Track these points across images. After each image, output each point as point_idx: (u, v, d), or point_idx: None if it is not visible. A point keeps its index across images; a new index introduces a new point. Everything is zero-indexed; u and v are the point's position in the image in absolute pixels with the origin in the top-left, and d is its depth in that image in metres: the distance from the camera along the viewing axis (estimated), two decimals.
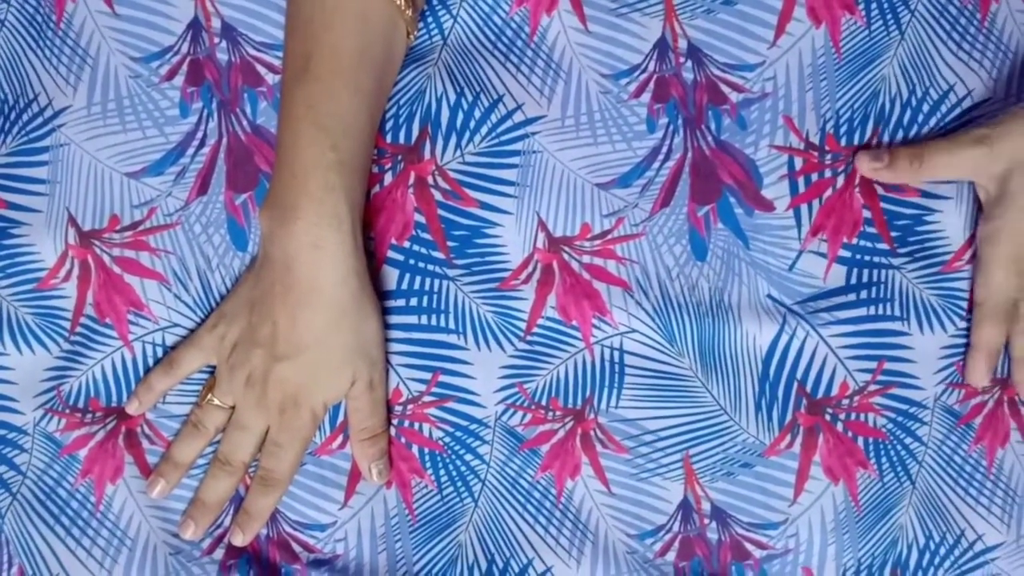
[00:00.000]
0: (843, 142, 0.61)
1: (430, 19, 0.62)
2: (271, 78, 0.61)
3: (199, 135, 0.61)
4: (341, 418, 0.62)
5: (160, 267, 0.62)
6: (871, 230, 0.61)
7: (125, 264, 0.62)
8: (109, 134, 0.61)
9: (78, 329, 0.62)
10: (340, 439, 0.62)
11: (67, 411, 0.63)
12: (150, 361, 0.62)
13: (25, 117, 0.61)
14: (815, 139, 0.61)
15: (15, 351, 0.62)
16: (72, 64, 0.61)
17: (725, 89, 0.61)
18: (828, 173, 0.61)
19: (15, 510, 0.62)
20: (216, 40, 0.60)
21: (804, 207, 0.61)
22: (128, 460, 0.62)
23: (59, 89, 0.61)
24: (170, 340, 0.62)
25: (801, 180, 0.61)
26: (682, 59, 0.61)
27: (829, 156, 0.61)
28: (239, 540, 0.61)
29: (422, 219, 0.61)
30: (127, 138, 0.61)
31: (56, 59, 0.61)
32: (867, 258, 0.61)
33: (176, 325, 0.62)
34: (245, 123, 0.61)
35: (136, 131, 0.61)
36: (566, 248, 0.61)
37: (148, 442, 0.63)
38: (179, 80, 0.61)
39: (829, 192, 0.61)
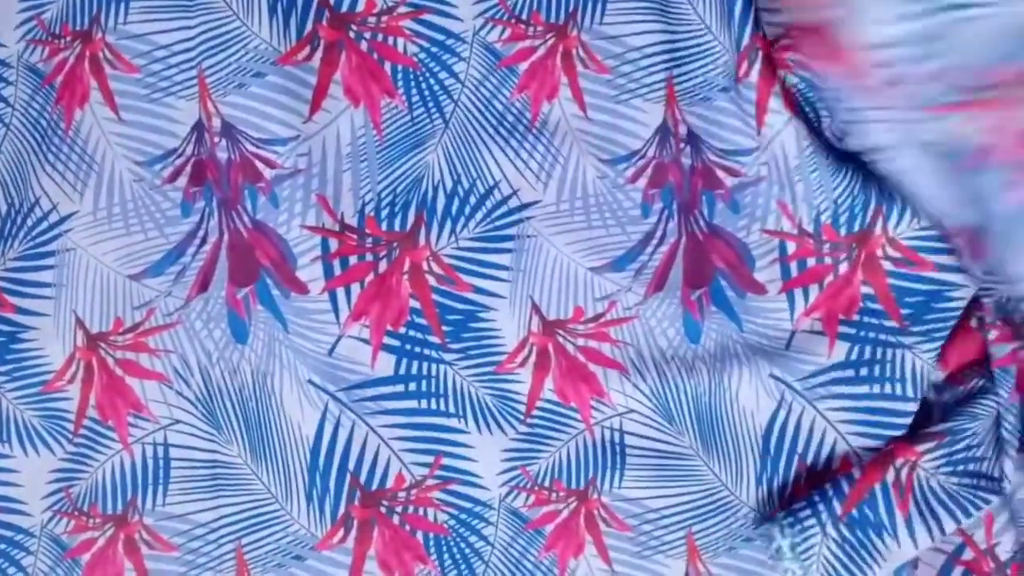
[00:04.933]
0: (842, 232, 0.62)
1: (431, 104, 0.62)
2: (268, 173, 0.61)
3: (200, 234, 0.62)
4: (342, 511, 0.62)
5: (160, 367, 0.62)
6: (875, 306, 0.62)
7: (126, 366, 0.62)
8: (113, 238, 0.62)
9: (81, 431, 0.62)
10: (341, 533, 0.63)
11: (75, 513, 0.62)
12: (149, 463, 0.62)
13: (30, 222, 0.62)
14: (808, 227, 0.62)
15: (21, 453, 0.62)
16: (79, 171, 0.62)
17: (721, 174, 0.62)
18: (828, 260, 0.63)
19: None
20: (216, 139, 0.61)
21: (799, 291, 0.63)
22: (128, 567, 0.62)
23: (65, 195, 0.62)
24: (172, 438, 0.62)
25: (794, 264, 0.63)
26: (682, 145, 0.62)
27: (827, 245, 0.62)
28: None
29: (417, 305, 0.62)
30: (130, 241, 0.62)
31: (63, 165, 0.62)
32: (870, 335, 0.63)
33: (178, 422, 0.62)
34: (246, 219, 0.61)
35: (139, 233, 0.62)
36: (560, 331, 0.62)
37: (147, 547, 0.62)
38: (182, 181, 0.62)
39: (831, 278, 0.62)
